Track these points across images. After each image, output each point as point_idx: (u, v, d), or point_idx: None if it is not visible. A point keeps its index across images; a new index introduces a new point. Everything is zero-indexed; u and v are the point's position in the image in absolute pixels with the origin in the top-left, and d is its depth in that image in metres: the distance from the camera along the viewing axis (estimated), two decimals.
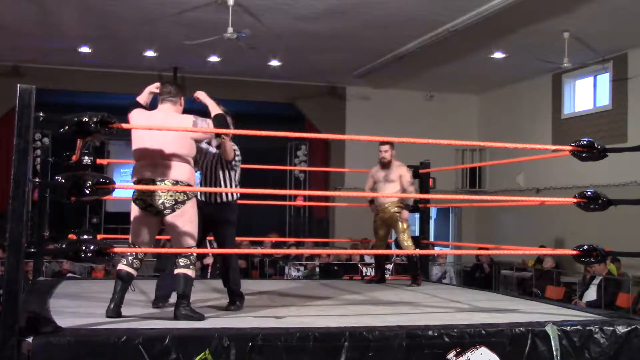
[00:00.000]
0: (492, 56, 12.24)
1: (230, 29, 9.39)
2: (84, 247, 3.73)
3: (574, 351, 4.12)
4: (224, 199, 5.12)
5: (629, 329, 4.27)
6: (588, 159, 4.83)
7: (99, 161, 6.99)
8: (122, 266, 4.48)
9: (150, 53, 12.30)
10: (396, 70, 13.15)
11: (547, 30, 10.57)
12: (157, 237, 4.91)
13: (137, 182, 4.43)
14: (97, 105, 13.63)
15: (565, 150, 4.93)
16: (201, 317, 4.25)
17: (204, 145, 5.12)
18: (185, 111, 4.67)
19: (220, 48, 11.40)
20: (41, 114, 3.63)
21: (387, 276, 8.44)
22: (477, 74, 13.74)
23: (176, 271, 4.40)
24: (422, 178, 7.66)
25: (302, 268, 11.47)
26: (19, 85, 3.52)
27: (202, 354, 3.54)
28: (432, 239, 9.27)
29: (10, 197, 3.45)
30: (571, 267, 11.47)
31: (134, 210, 4.48)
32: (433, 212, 15.03)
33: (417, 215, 8.08)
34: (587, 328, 4.21)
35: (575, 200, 4.77)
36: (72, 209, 13.47)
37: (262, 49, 11.39)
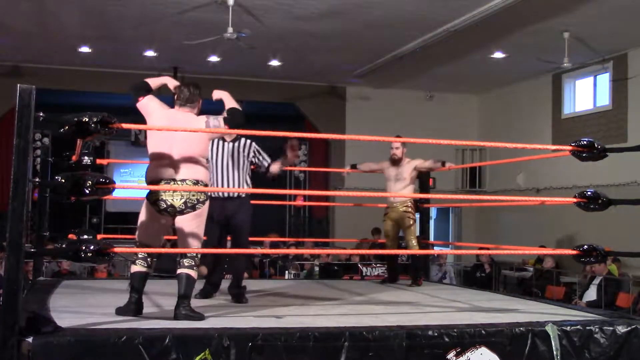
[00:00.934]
0: (492, 56, 12.24)
1: (230, 29, 9.39)
2: (84, 247, 3.73)
3: (574, 351, 4.12)
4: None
5: (629, 329, 4.27)
6: (588, 159, 4.83)
7: (99, 161, 6.98)
8: (135, 267, 4.50)
9: (150, 53, 12.31)
10: (396, 70, 13.15)
11: (547, 30, 10.57)
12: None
13: (155, 182, 4.42)
14: (97, 105, 13.73)
15: (565, 150, 4.93)
16: (201, 317, 4.25)
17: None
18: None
19: (220, 48, 11.40)
20: (41, 114, 3.63)
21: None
22: (477, 74, 13.74)
23: (179, 271, 4.40)
24: (422, 178, 7.66)
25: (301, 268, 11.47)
26: (19, 85, 3.52)
27: (202, 354, 3.54)
28: (432, 239, 9.26)
29: (10, 197, 3.45)
30: (571, 267, 11.47)
31: (148, 211, 4.48)
32: (433, 212, 15.03)
33: (418, 215, 8.07)
34: (587, 328, 4.21)
35: (575, 200, 4.77)
36: (72, 209, 13.46)
37: (262, 49, 11.39)
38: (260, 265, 11.30)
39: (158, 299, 5.17)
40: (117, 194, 6.15)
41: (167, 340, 3.52)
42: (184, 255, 4.42)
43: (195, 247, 4.46)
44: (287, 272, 10.98)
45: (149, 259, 4.53)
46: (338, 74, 13.99)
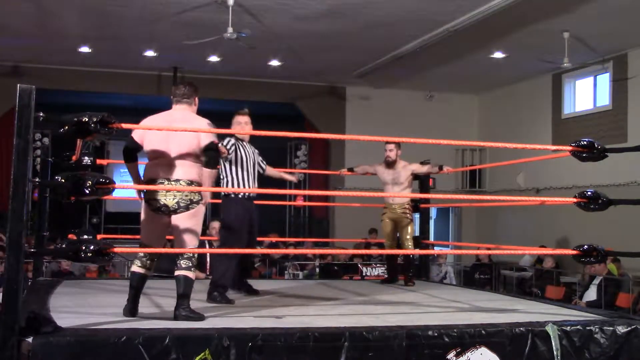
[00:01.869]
0: (492, 56, 12.24)
1: (230, 29, 9.39)
2: (84, 247, 3.73)
3: (574, 351, 4.12)
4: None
5: (629, 329, 4.27)
6: (588, 159, 4.83)
7: (99, 161, 6.98)
8: (134, 268, 4.50)
9: (150, 53, 12.31)
10: (396, 70, 13.15)
11: (547, 30, 10.57)
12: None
13: (149, 182, 4.43)
14: (97, 105, 13.74)
15: (565, 150, 4.93)
16: (201, 317, 4.25)
17: None
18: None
19: (220, 48, 11.41)
20: (41, 114, 3.63)
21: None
22: (477, 74, 13.74)
23: (176, 272, 4.39)
24: (422, 178, 7.66)
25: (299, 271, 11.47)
26: (19, 85, 3.52)
27: (202, 354, 3.54)
28: (432, 239, 9.26)
29: (10, 197, 3.45)
30: (571, 267, 11.47)
31: (146, 211, 4.49)
32: (433, 212, 15.04)
33: (417, 215, 8.08)
34: (587, 328, 4.21)
35: (575, 200, 4.77)
36: (72, 209, 13.47)
37: (262, 49, 11.39)
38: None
39: (158, 299, 5.17)
40: (117, 194, 6.15)
41: (167, 340, 3.52)
42: (180, 256, 4.41)
43: (191, 247, 4.43)
44: (286, 272, 10.98)
45: (146, 261, 4.50)
46: (338, 74, 13.99)
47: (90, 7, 9.96)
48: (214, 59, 12.47)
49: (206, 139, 4.41)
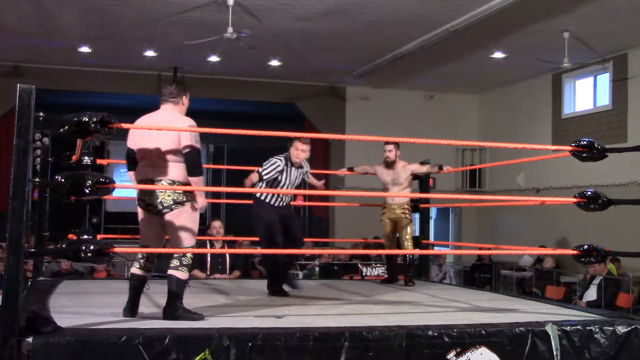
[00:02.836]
0: (492, 56, 12.24)
1: (230, 29, 9.39)
2: (84, 247, 3.73)
3: (574, 351, 4.12)
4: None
5: (629, 329, 4.27)
6: (588, 159, 4.83)
7: (99, 161, 6.98)
8: (133, 269, 4.51)
9: (150, 53, 12.31)
10: (396, 70, 13.15)
11: (547, 30, 10.57)
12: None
13: (138, 182, 4.44)
14: (97, 105, 13.73)
15: (565, 150, 4.93)
16: (200, 317, 4.25)
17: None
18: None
19: (220, 48, 11.40)
20: (41, 114, 3.63)
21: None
22: (477, 74, 13.74)
23: (168, 272, 4.38)
24: (422, 178, 7.66)
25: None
26: (19, 85, 3.52)
27: (202, 354, 3.54)
28: (432, 239, 9.26)
29: (10, 197, 3.45)
30: (571, 267, 11.47)
31: (139, 211, 4.50)
32: (433, 212, 15.04)
33: (417, 215, 8.08)
34: (587, 328, 4.21)
35: (575, 200, 4.77)
36: (72, 209, 13.47)
37: (262, 49, 11.39)
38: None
39: (158, 299, 5.16)
40: (117, 194, 6.15)
41: (167, 340, 3.52)
42: (171, 256, 4.39)
43: (181, 247, 4.39)
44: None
45: (144, 262, 4.48)
46: (338, 74, 13.99)
47: (90, 7, 9.95)
48: (214, 59, 12.47)
49: (185, 140, 4.29)
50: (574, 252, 4.76)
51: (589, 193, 4.76)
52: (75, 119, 3.72)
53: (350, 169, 7.70)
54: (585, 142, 4.79)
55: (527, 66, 12.84)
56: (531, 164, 12.28)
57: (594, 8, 9.58)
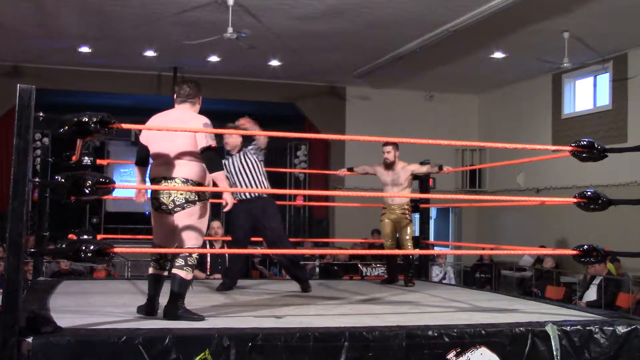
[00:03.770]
0: (492, 56, 12.24)
1: (230, 29, 9.39)
2: (84, 247, 3.73)
3: (574, 351, 4.12)
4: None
5: (629, 329, 4.27)
6: (588, 159, 4.83)
7: (99, 161, 6.99)
8: (150, 269, 4.53)
9: (150, 53, 12.31)
10: (396, 70, 13.15)
11: (547, 30, 10.57)
12: None
13: (151, 181, 4.47)
14: (97, 105, 13.73)
15: (565, 150, 4.93)
16: (201, 318, 4.24)
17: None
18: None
19: (220, 48, 11.41)
20: (41, 114, 3.63)
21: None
22: (477, 74, 13.74)
23: (172, 271, 4.38)
24: (422, 178, 7.66)
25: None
26: (19, 85, 3.52)
27: (202, 354, 3.54)
28: (432, 239, 9.26)
29: (10, 197, 3.45)
30: (571, 267, 11.47)
31: (152, 211, 4.52)
32: (433, 212, 15.04)
33: (417, 215, 8.08)
34: (587, 328, 4.21)
35: (575, 200, 4.77)
36: (72, 209, 13.47)
37: (262, 49, 11.39)
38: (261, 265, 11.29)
39: (159, 298, 5.16)
40: (117, 194, 6.15)
41: (167, 340, 3.52)
42: (177, 255, 4.39)
43: (188, 246, 4.39)
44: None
45: (160, 261, 4.51)
46: (338, 74, 13.99)
47: (90, 7, 9.95)
48: (214, 59, 12.47)
49: (202, 140, 4.34)
50: (574, 252, 4.76)
51: (589, 193, 4.76)
52: (75, 119, 3.72)
53: (350, 169, 7.70)
54: (585, 142, 4.79)
55: (527, 66, 12.84)
56: (531, 164, 12.28)
57: (594, 8, 9.58)
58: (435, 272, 11.35)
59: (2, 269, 7.55)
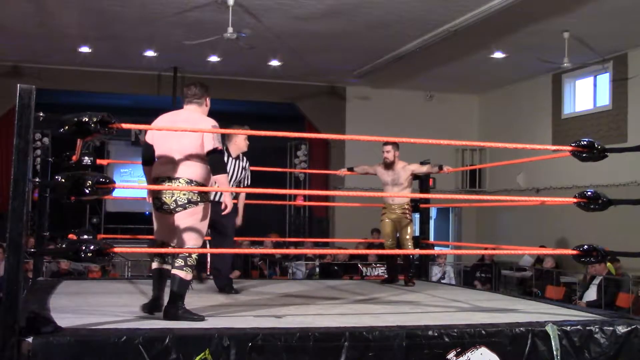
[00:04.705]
0: (492, 56, 12.24)
1: (230, 29, 9.39)
2: (84, 247, 3.73)
3: (574, 351, 4.12)
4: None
5: (629, 329, 4.27)
6: (588, 159, 4.83)
7: (99, 161, 6.98)
8: (154, 264, 4.55)
9: (150, 53, 12.31)
10: (396, 70, 13.15)
11: (547, 30, 10.57)
12: None
13: (154, 180, 4.48)
14: (97, 105, 13.73)
15: (565, 150, 4.93)
16: (201, 318, 4.23)
17: None
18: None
19: (220, 48, 11.40)
20: (41, 114, 3.63)
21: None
22: (477, 74, 13.74)
23: (172, 271, 4.38)
24: (422, 178, 7.66)
25: (303, 268, 11.48)
26: (19, 85, 3.52)
27: (202, 354, 3.54)
28: (432, 239, 9.26)
29: (10, 197, 3.45)
30: (571, 267, 11.47)
31: (152, 210, 4.55)
32: (433, 212, 15.04)
33: (417, 215, 8.08)
34: (587, 328, 4.21)
35: (575, 200, 4.77)
36: (72, 209, 13.46)
37: (262, 49, 11.39)
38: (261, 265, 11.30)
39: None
40: (117, 194, 6.15)
41: (167, 340, 3.52)
42: (176, 255, 4.40)
43: (188, 246, 4.39)
44: (292, 269, 11.00)
45: (160, 255, 4.55)
46: (338, 74, 13.99)
47: (90, 7, 9.95)
48: (214, 59, 12.47)
49: (209, 143, 4.37)
50: (574, 252, 4.76)
51: (589, 193, 4.76)
52: (75, 119, 3.72)
53: (350, 169, 7.70)
54: (585, 142, 4.79)
55: (527, 66, 12.84)
56: (531, 164, 12.29)
57: (594, 8, 9.58)
58: (435, 272, 11.36)
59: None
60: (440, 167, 7.14)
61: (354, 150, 14.26)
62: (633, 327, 4.29)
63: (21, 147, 3.47)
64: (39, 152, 11.93)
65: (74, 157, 6.20)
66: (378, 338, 3.82)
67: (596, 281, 9.56)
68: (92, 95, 14.20)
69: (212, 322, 4.17)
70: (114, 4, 9.73)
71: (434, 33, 10.61)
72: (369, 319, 4.56)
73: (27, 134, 3.49)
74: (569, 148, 4.83)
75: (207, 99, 4.66)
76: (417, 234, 7.80)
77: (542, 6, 9.56)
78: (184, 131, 4.37)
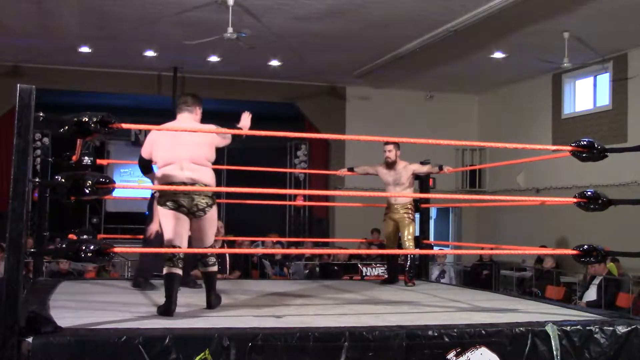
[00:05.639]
0: (492, 56, 12.24)
1: (230, 29, 9.40)
2: (84, 247, 3.73)
3: (574, 351, 4.12)
4: None
5: (629, 329, 4.27)
6: (588, 159, 4.83)
7: (99, 161, 6.98)
8: (165, 269, 4.62)
9: (150, 53, 12.31)
10: (396, 70, 13.15)
11: (547, 30, 10.57)
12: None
13: (166, 185, 4.60)
14: (97, 105, 13.73)
15: (565, 150, 4.93)
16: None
17: None
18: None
19: (220, 48, 11.41)
20: (41, 114, 3.63)
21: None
22: (477, 74, 13.74)
23: (209, 269, 4.74)
24: (422, 178, 7.66)
25: (302, 268, 11.47)
26: (19, 85, 3.51)
27: (202, 354, 3.54)
28: (432, 239, 9.26)
29: (10, 197, 3.45)
30: (571, 267, 11.47)
31: (165, 212, 4.62)
32: (433, 212, 15.04)
33: (417, 215, 8.08)
34: (587, 328, 4.21)
35: (575, 200, 4.77)
36: (72, 209, 13.46)
37: (262, 49, 11.40)
38: (260, 265, 11.29)
39: (159, 298, 5.17)
40: (117, 194, 6.14)
41: (167, 340, 3.52)
42: (205, 255, 4.73)
43: (206, 246, 4.73)
44: (293, 269, 11.00)
45: (174, 259, 4.60)
46: (338, 74, 13.99)
47: (90, 7, 9.96)
48: (214, 59, 12.47)
49: (220, 141, 4.71)
50: (574, 252, 4.76)
51: (589, 193, 4.75)
52: (75, 119, 3.72)
53: (351, 170, 7.70)
54: (585, 142, 4.78)
55: (527, 66, 12.84)
56: (531, 164, 12.28)
57: (594, 8, 9.59)
58: (435, 272, 11.36)
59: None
60: (441, 168, 7.14)
61: (354, 150, 14.26)
62: (633, 327, 4.28)
63: (21, 147, 3.47)
64: (39, 152, 11.93)
65: (74, 157, 6.21)
66: (378, 338, 3.81)
67: (596, 281, 9.55)
68: (92, 95, 14.21)
69: (212, 322, 4.17)
70: (114, 4, 9.73)
71: (434, 33, 10.61)
72: (369, 319, 4.56)
73: (27, 134, 3.49)
74: (569, 148, 4.82)
75: (198, 108, 4.84)
76: (418, 234, 7.80)
77: (542, 6, 9.57)
78: (193, 133, 4.58)
